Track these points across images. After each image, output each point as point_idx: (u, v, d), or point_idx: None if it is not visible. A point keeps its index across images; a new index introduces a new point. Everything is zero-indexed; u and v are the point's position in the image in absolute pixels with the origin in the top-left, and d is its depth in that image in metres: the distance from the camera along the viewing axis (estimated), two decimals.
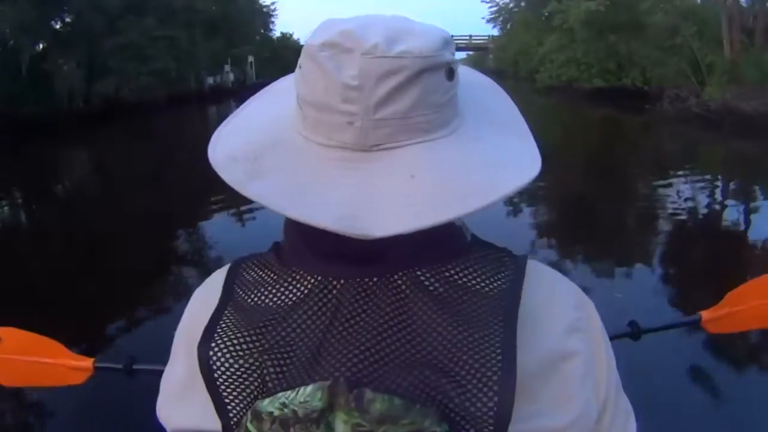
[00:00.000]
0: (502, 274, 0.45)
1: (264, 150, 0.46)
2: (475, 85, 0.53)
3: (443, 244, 0.47)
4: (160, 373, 0.55)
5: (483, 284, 0.44)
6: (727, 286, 1.24)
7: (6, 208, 8.14)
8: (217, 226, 6.11)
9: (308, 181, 0.43)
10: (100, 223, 6.78)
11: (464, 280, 0.45)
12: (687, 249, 5.12)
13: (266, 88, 0.56)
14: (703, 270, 4.37)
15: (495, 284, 0.45)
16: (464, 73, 0.50)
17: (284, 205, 0.42)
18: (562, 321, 0.47)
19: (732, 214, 6.29)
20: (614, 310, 3.23)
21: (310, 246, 0.47)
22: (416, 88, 0.42)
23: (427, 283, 0.44)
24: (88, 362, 1.19)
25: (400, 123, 0.42)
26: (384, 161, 0.42)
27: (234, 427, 0.46)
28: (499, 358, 0.41)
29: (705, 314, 1.23)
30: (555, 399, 0.45)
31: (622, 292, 3.86)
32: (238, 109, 0.53)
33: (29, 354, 1.20)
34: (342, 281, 0.45)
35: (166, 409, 0.52)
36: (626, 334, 1.21)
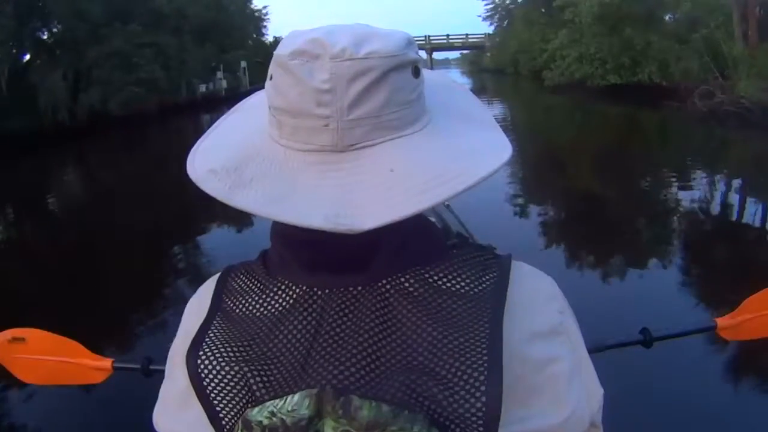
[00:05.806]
0: (487, 276, 0.49)
1: (244, 162, 0.49)
2: (439, 86, 0.57)
3: (425, 248, 0.51)
4: None
5: (468, 287, 0.48)
6: (745, 292, 1.24)
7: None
8: (224, 229, 6.35)
9: (291, 185, 0.46)
10: (105, 234, 6.97)
11: (449, 284, 0.48)
12: (704, 253, 5.10)
13: (237, 106, 0.60)
14: (721, 275, 4.36)
15: (480, 286, 0.48)
16: (428, 76, 0.54)
17: (270, 211, 0.45)
18: (546, 324, 0.50)
19: (753, 216, 6.25)
20: (626, 316, 3.25)
21: (294, 256, 0.51)
22: (386, 86, 0.46)
23: (411, 288, 0.47)
24: (107, 362, 1.30)
25: (374, 121, 0.46)
26: (362, 159, 0.46)
27: None
28: (486, 358, 0.43)
29: (721, 321, 1.24)
30: (545, 400, 0.47)
31: (635, 297, 3.87)
32: (211, 127, 0.57)
33: (52, 354, 1.30)
34: (326, 291, 0.49)
35: (163, 418, 0.55)
36: (638, 342, 1.23)
